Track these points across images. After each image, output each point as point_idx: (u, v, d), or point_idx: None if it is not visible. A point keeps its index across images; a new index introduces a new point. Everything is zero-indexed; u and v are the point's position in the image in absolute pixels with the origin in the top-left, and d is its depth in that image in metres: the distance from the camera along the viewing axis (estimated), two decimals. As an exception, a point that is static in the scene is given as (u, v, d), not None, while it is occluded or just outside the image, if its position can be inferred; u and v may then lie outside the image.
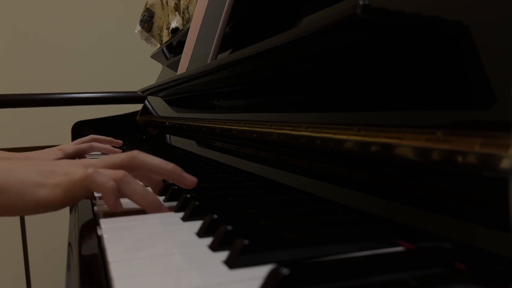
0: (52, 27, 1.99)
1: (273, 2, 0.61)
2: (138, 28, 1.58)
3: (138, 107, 1.40)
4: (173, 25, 1.35)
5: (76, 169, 0.42)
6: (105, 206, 0.45)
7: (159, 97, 1.20)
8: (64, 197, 0.40)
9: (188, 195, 0.43)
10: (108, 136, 1.02)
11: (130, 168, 0.44)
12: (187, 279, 0.25)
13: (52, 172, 0.41)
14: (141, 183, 0.43)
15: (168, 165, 0.45)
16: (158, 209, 0.42)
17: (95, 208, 0.45)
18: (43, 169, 0.41)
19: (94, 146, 0.94)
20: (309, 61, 0.45)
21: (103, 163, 0.44)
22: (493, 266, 0.23)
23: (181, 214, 0.40)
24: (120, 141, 1.04)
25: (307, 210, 0.39)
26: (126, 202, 0.42)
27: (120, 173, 0.41)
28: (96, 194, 0.46)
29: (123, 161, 0.44)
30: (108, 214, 0.41)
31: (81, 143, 0.95)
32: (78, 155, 0.91)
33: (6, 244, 1.85)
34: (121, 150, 0.96)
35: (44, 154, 0.83)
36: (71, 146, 0.92)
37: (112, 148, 0.96)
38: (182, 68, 0.84)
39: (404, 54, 0.32)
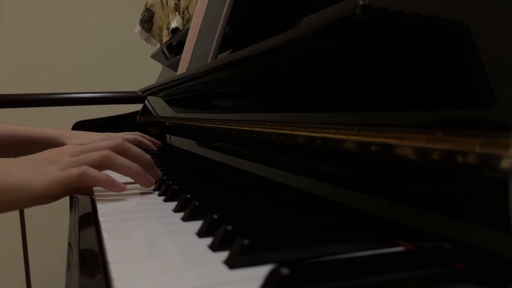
0: (52, 27, 1.99)
1: (273, 2, 0.61)
2: (138, 28, 1.58)
3: (138, 107, 1.40)
4: (173, 25, 1.35)
5: (69, 164, 0.47)
6: (105, 206, 0.45)
7: (159, 97, 1.19)
8: (60, 190, 0.45)
9: (188, 195, 0.43)
10: None
11: (117, 152, 0.51)
12: (187, 279, 0.25)
13: (45, 168, 0.46)
14: (125, 158, 0.50)
15: (146, 156, 0.54)
16: (143, 177, 0.51)
17: (96, 208, 0.45)
18: (36, 166, 0.46)
19: (138, 139, 0.97)
20: (309, 61, 0.45)
21: (91, 148, 0.51)
22: (493, 266, 0.23)
23: (181, 214, 0.40)
24: (160, 142, 1.05)
25: (307, 210, 0.39)
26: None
27: (105, 151, 0.49)
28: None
29: (109, 147, 0.51)
30: (109, 214, 0.41)
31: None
32: None
33: (6, 244, 1.85)
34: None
35: (93, 136, 0.85)
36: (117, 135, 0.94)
37: (153, 146, 1.00)
38: (182, 68, 0.84)
39: (404, 54, 0.32)
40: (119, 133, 1.00)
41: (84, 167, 0.46)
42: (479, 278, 0.23)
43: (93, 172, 0.46)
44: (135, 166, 0.51)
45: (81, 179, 0.45)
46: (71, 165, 0.47)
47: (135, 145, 0.98)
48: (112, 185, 0.48)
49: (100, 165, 0.48)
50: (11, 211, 0.44)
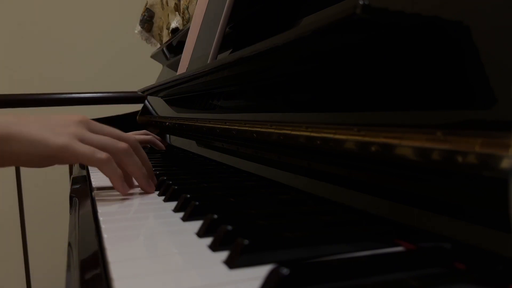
0: (52, 28, 1.99)
1: (273, 2, 0.61)
2: (138, 28, 1.58)
3: (138, 107, 1.40)
4: (173, 25, 1.35)
5: (91, 140, 0.47)
6: (105, 206, 0.45)
7: (159, 97, 1.19)
8: (72, 159, 0.44)
9: (188, 195, 0.43)
10: None
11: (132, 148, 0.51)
12: (187, 279, 0.25)
13: (62, 129, 0.46)
14: (138, 159, 0.51)
15: (149, 163, 0.54)
16: (148, 182, 0.51)
17: (96, 208, 0.45)
18: (53, 126, 0.46)
19: (152, 140, 0.97)
20: (309, 61, 0.45)
21: (112, 133, 0.51)
22: (493, 266, 0.23)
23: (181, 214, 0.40)
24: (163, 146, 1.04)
25: (307, 210, 0.39)
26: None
27: (125, 144, 0.49)
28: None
29: (128, 142, 0.50)
30: (109, 214, 0.41)
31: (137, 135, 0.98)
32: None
33: (6, 244, 1.85)
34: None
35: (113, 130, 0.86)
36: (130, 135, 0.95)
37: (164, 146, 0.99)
38: (182, 68, 0.84)
39: (404, 54, 0.32)
40: (130, 132, 0.99)
41: (109, 157, 0.46)
42: (479, 278, 0.23)
43: (114, 165, 0.46)
44: (143, 169, 0.51)
45: (101, 165, 0.45)
46: (94, 143, 0.47)
47: (148, 144, 0.99)
48: (120, 184, 0.47)
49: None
50: (17, 165, 0.44)
